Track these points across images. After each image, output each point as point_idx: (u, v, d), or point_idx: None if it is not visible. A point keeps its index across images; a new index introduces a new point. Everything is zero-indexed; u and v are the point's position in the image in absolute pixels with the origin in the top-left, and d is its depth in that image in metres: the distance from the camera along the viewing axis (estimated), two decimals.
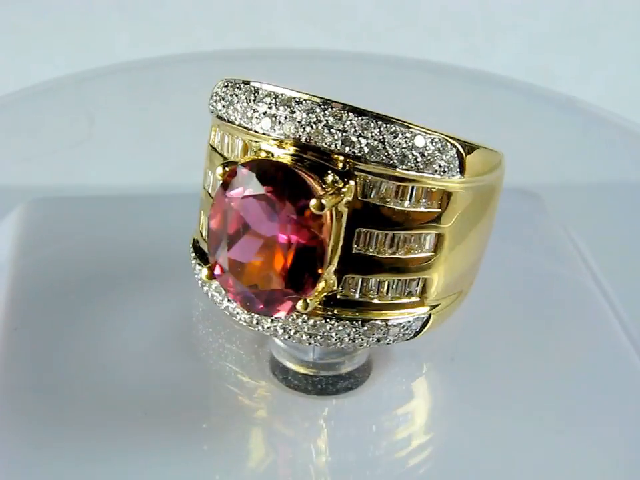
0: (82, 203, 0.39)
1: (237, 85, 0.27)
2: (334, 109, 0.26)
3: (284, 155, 0.26)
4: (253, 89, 0.26)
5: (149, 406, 0.30)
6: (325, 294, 0.26)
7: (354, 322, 0.27)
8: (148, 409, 0.30)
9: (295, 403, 0.30)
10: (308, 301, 0.25)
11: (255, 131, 0.26)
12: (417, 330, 0.28)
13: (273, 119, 0.26)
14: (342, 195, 0.25)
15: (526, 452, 0.29)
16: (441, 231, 0.27)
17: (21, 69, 0.63)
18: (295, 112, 0.26)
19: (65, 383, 0.30)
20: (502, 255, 0.36)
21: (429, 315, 0.28)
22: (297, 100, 0.26)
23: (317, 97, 0.26)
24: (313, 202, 0.25)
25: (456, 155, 0.26)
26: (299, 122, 0.25)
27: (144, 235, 0.36)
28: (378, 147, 0.25)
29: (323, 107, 0.26)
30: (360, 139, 0.25)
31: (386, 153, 0.25)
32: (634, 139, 0.43)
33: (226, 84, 0.27)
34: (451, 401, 0.31)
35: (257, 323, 0.27)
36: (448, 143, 0.26)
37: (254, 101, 0.26)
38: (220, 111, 0.27)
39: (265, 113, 0.26)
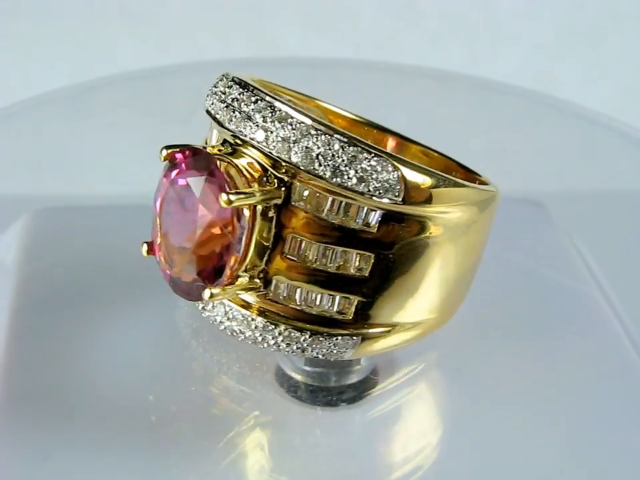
0: (86, 212, 0.39)
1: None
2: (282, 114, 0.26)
3: (222, 148, 0.27)
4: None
5: (153, 414, 0.30)
6: (246, 291, 0.27)
7: (278, 326, 0.27)
8: (153, 417, 0.30)
9: (301, 414, 0.30)
10: (212, 290, 0.26)
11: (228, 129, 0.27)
12: (344, 351, 0.27)
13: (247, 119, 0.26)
14: (265, 197, 0.26)
15: (532, 463, 0.29)
16: (381, 255, 0.26)
17: (26, 77, 0.63)
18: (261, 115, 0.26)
19: (69, 389, 0.30)
20: (506, 263, 0.36)
21: (360, 339, 0.27)
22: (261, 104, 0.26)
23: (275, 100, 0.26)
24: (223, 196, 0.25)
25: (397, 179, 0.26)
26: (260, 125, 0.26)
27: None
28: (315, 158, 0.25)
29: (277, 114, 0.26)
30: (298, 148, 0.26)
31: (320, 165, 0.25)
32: (638, 146, 0.43)
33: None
34: (457, 413, 0.31)
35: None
36: (390, 165, 0.26)
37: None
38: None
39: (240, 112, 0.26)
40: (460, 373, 0.31)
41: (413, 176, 0.26)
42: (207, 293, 0.26)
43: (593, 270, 0.37)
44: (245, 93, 0.27)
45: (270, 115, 0.26)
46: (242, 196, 0.25)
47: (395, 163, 0.26)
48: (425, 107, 0.46)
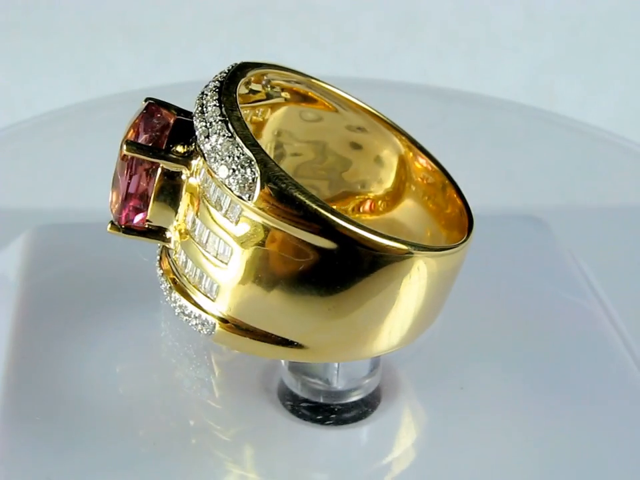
0: (86, 228, 0.39)
1: None
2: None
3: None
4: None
5: (157, 432, 0.30)
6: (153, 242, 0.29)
7: (170, 287, 0.29)
8: (157, 436, 0.30)
9: (303, 432, 0.30)
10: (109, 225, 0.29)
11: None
12: (207, 333, 0.28)
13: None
14: (161, 160, 0.28)
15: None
16: (238, 250, 0.27)
17: (28, 92, 0.64)
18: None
19: (69, 405, 0.30)
20: (508, 279, 0.36)
21: (215, 325, 0.28)
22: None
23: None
24: (123, 146, 0.28)
25: (251, 181, 0.26)
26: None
27: (147, 257, 0.37)
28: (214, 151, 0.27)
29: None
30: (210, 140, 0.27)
31: (215, 161, 0.27)
32: (638, 161, 0.43)
33: None
34: (460, 431, 0.30)
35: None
36: (249, 169, 0.26)
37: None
38: None
39: None
40: (463, 390, 0.31)
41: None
42: (110, 229, 0.29)
43: (594, 286, 0.37)
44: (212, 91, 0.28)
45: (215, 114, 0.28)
46: (137, 150, 0.28)
47: (256, 167, 0.27)
48: (425, 125, 0.46)
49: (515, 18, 0.66)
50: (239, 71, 0.29)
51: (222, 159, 0.27)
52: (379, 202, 0.34)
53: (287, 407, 0.31)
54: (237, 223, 0.27)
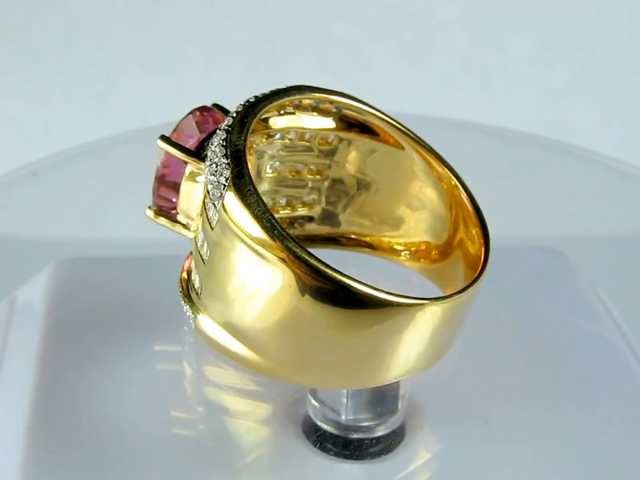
0: (107, 262, 0.39)
1: None
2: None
3: None
4: None
5: (178, 463, 0.30)
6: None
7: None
8: (178, 466, 0.30)
9: (326, 466, 0.30)
10: (148, 210, 0.31)
11: None
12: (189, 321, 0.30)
13: None
14: (184, 158, 0.30)
15: None
16: (212, 252, 0.28)
17: (45, 124, 0.64)
18: None
19: (96, 437, 0.31)
20: (528, 312, 0.36)
21: (193, 318, 0.30)
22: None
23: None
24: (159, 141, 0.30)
25: (222, 188, 0.28)
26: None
27: (168, 292, 0.37)
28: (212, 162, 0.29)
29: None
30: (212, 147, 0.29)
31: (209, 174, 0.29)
32: None
33: None
34: (484, 466, 0.30)
35: None
36: (223, 176, 0.28)
37: None
38: None
39: None
40: (488, 424, 0.31)
41: None
42: (148, 211, 0.31)
43: (614, 316, 0.37)
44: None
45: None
46: (167, 143, 0.30)
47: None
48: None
49: (529, 47, 0.66)
50: (278, 94, 0.30)
51: (211, 164, 0.28)
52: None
53: (311, 439, 0.31)
54: (212, 227, 0.28)
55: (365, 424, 0.30)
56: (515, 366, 0.34)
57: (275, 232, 0.27)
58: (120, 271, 0.38)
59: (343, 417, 0.30)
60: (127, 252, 0.40)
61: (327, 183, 0.34)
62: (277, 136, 0.32)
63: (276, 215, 0.31)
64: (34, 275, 0.38)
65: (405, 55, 0.67)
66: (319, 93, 0.31)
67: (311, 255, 0.26)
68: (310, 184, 0.34)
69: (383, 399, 0.30)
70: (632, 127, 0.65)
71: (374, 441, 0.30)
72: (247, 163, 0.28)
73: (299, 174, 0.34)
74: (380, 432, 0.30)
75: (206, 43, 0.66)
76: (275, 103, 0.30)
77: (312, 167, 0.34)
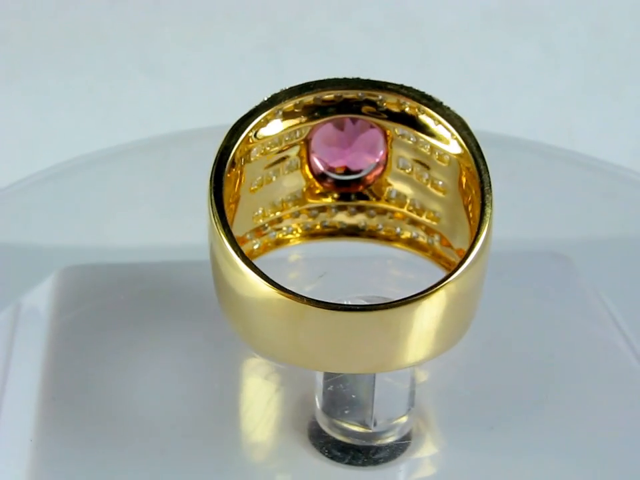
0: (113, 269, 0.39)
1: None
2: None
3: None
4: None
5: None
6: None
7: None
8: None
9: (333, 473, 0.30)
10: None
11: None
12: None
13: None
14: None
15: None
16: None
17: (49, 132, 0.64)
18: None
19: (103, 442, 0.31)
20: (532, 316, 0.36)
21: None
22: None
23: None
24: None
25: None
26: None
27: (172, 298, 0.37)
28: None
29: None
30: None
31: None
32: None
33: None
34: (490, 471, 0.31)
35: None
36: None
37: None
38: None
39: None
40: (493, 430, 0.31)
41: None
42: None
43: (617, 320, 0.37)
44: None
45: None
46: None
47: None
48: None
49: (531, 52, 0.67)
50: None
51: None
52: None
53: (317, 446, 0.31)
54: None
55: (374, 430, 0.30)
56: (519, 371, 0.34)
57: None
58: (125, 278, 0.38)
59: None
60: (131, 259, 0.40)
61: None
62: None
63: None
64: (39, 282, 0.38)
65: (407, 61, 0.67)
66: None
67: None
68: None
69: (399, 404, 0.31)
70: (634, 133, 0.65)
71: (380, 448, 0.30)
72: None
73: None
74: (390, 439, 0.30)
75: (209, 50, 0.66)
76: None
77: None
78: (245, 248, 0.33)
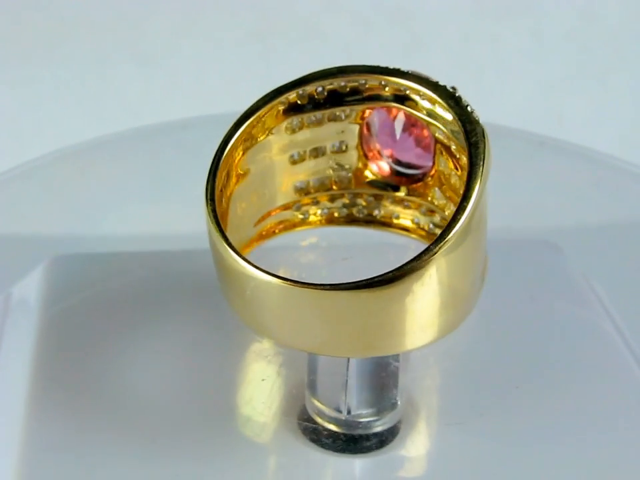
0: (104, 258, 0.39)
1: None
2: None
3: None
4: None
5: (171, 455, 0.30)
6: None
7: None
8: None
9: (323, 460, 0.30)
10: None
11: None
12: None
13: None
14: None
15: None
16: None
17: (38, 122, 0.64)
18: None
19: (93, 433, 0.31)
20: (522, 303, 0.36)
21: None
22: None
23: None
24: None
25: None
26: None
27: (161, 287, 0.37)
28: None
29: None
30: None
31: None
32: None
33: None
34: (479, 457, 0.31)
35: None
36: None
37: None
38: None
39: None
40: (483, 417, 0.32)
41: None
42: None
43: (606, 306, 0.37)
44: None
45: None
46: None
47: None
48: None
49: (521, 40, 0.67)
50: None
51: None
52: None
53: (307, 434, 0.31)
54: None
55: (364, 420, 0.30)
56: (509, 358, 0.34)
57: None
58: (116, 267, 0.38)
59: (343, 414, 0.30)
60: (122, 248, 0.40)
61: None
62: None
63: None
64: (29, 271, 0.38)
65: (397, 49, 0.67)
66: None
67: None
68: None
69: (382, 394, 0.31)
70: (624, 120, 0.65)
71: (369, 435, 0.30)
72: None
73: None
74: (378, 428, 0.30)
75: (198, 39, 0.66)
76: None
77: None
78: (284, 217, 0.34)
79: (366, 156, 0.34)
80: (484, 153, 0.28)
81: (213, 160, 0.31)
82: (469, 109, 0.30)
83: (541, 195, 0.44)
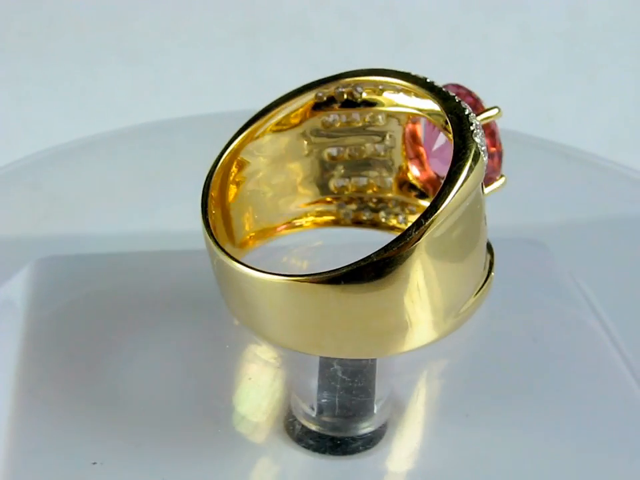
0: (89, 259, 0.39)
1: None
2: None
3: None
4: None
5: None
6: None
7: None
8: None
9: (309, 463, 0.30)
10: None
11: None
12: None
13: None
14: None
15: None
16: None
17: (25, 120, 0.64)
18: None
19: (79, 436, 0.31)
20: (509, 303, 0.36)
21: None
22: None
23: None
24: None
25: None
26: None
27: (149, 288, 0.37)
28: None
29: None
30: None
31: None
32: (631, 183, 0.44)
33: None
34: (466, 458, 0.31)
35: None
36: None
37: None
38: None
39: None
40: (468, 417, 0.32)
41: None
42: None
43: (593, 303, 0.37)
44: None
45: None
46: None
47: None
48: None
49: (509, 35, 0.67)
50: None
51: None
52: None
53: (293, 435, 0.31)
54: None
55: (350, 423, 0.30)
56: (495, 357, 0.34)
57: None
58: (103, 268, 0.38)
59: (329, 415, 0.31)
60: (111, 249, 0.40)
61: None
62: None
63: None
64: (15, 273, 0.38)
65: (385, 45, 0.67)
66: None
67: None
68: None
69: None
70: (612, 118, 0.65)
71: (356, 437, 0.30)
72: None
73: None
74: (364, 430, 0.30)
75: (186, 36, 0.66)
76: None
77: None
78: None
79: (409, 159, 0.34)
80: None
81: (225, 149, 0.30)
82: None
83: (527, 194, 0.44)
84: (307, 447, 0.30)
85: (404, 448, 0.31)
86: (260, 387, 0.32)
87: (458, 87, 0.32)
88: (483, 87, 0.66)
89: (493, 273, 0.31)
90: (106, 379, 0.33)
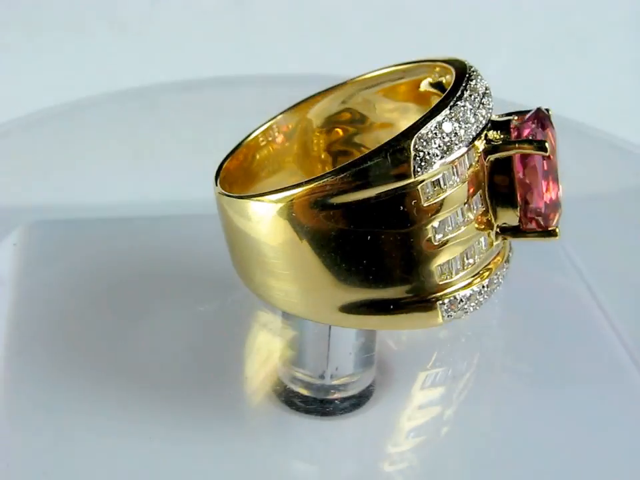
0: (79, 224, 0.39)
1: None
2: None
3: None
4: None
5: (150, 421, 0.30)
6: None
7: None
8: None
9: (298, 423, 0.30)
10: None
11: None
12: None
13: None
14: None
15: (534, 458, 0.30)
16: None
17: (14, 89, 0.64)
18: None
19: (67, 406, 0.31)
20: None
21: None
22: None
23: None
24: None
25: None
26: None
27: (142, 254, 0.37)
28: None
29: None
30: None
31: None
32: (621, 153, 0.44)
33: None
34: (452, 420, 0.31)
35: None
36: None
37: None
38: None
39: None
40: (455, 380, 0.32)
41: None
42: None
43: (582, 273, 0.37)
44: None
45: None
46: None
47: None
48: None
49: (500, 7, 0.67)
50: None
51: None
52: None
53: (281, 398, 0.31)
54: None
55: (336, 382, 0.30)
56: (484, 322, 0.34)
57: None
58: (96, 234, 0.38)
59: (317, 376, 0.31)
60: (103, 215, 0.40)
61: None
62: None
63: None
64: (1, 239, 0.37)
65: (376, 21, 0.67)
66: None
67: None
68: None
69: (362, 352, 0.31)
70: (603, 90, 0.65)
71: (345, 398, 0.31)
72: None
73: None
74: (351, 392, 0.31)
75: (176, 6, 0.66)
76: None
77: None
78: None
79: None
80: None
81: None
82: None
83: None
84: (295, 407, 0.31)
85: (391, 409, 0.31)
86: (258, 351, 0.32)
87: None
88: (472, 59, 0.66)
89: None
90: (98, 350, 0.32)
